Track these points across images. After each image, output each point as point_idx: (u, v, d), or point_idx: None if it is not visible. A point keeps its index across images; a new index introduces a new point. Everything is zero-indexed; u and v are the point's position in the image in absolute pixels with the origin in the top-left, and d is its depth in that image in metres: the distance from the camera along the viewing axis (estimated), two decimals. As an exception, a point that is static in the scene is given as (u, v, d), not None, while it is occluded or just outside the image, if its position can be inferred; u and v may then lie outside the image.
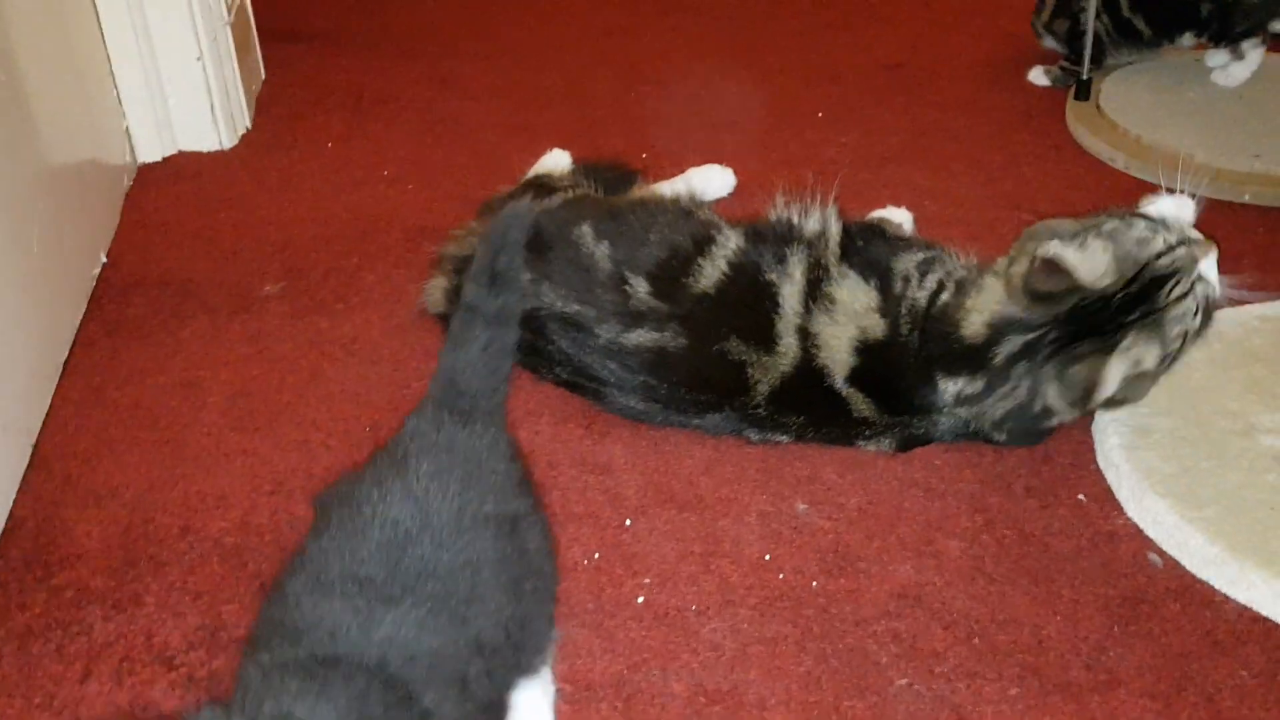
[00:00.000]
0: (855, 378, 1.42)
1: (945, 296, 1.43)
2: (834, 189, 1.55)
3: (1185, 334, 1.39)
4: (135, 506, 1.38)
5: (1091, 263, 1.34)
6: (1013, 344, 1.37)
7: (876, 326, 1.42)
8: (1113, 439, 1.44)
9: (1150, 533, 1.34)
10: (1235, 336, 1.60)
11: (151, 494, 1.40)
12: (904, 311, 1.42)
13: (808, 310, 1.42)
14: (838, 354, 1.41)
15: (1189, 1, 2.29)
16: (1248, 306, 1.67)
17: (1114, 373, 1.34)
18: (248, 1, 2.39)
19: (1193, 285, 1.37)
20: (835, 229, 1.50)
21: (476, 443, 1.05)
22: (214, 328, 1.69)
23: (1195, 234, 1.43)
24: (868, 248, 1.48)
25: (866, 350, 1.41)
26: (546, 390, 1.55)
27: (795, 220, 1.52)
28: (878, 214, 1.80)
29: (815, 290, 1.43)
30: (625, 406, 1.50)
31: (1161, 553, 1.32)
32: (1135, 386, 1.38)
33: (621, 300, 1.46)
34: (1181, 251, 1.38)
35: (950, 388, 1.41)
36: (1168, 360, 1.39)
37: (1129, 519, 1.37)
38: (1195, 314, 1.38)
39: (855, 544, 1.34)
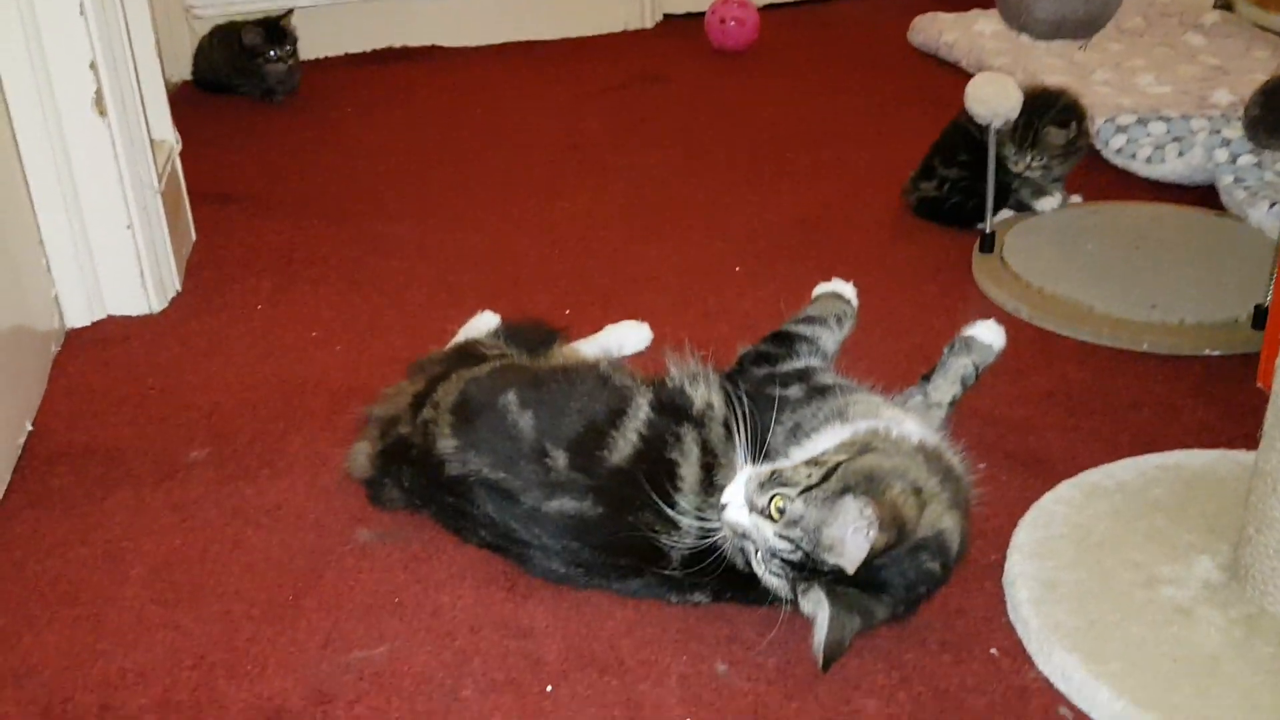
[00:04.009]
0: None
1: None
2: (710, 354, 1.63)
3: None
4: (54, 685, 1.37)
5: None
6: None
7: None
8: (1022, 593, 1.48)
9: (1060, 687, 1.38)
10: (1136, 487, 1.67)
11: (71, 672, 1.39)
12: None
13: (704, 495, 1.46)
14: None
15: None
16: (1147, 456, 1.75)
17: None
18: (179, 166, 2.44)
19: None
20: (718, 401, 1.56)
21: None
22: (138, 497, 1.70)
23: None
24: (749, 419, 1.52)
25: None
26: (470, 553, 1.58)
27: (686, 389, 1.58)
28: (824, 288, 1.85)
29: (710, 477, 1.47)
30: (549, 570, 1.52)
31: (1072, 707, 1.36)
32: None
33: (543, 471, 1.50)
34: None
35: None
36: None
37: (1040, 673, 1.41)
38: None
39: (775, 704, 1.36)
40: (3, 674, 1.39)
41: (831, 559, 1.31)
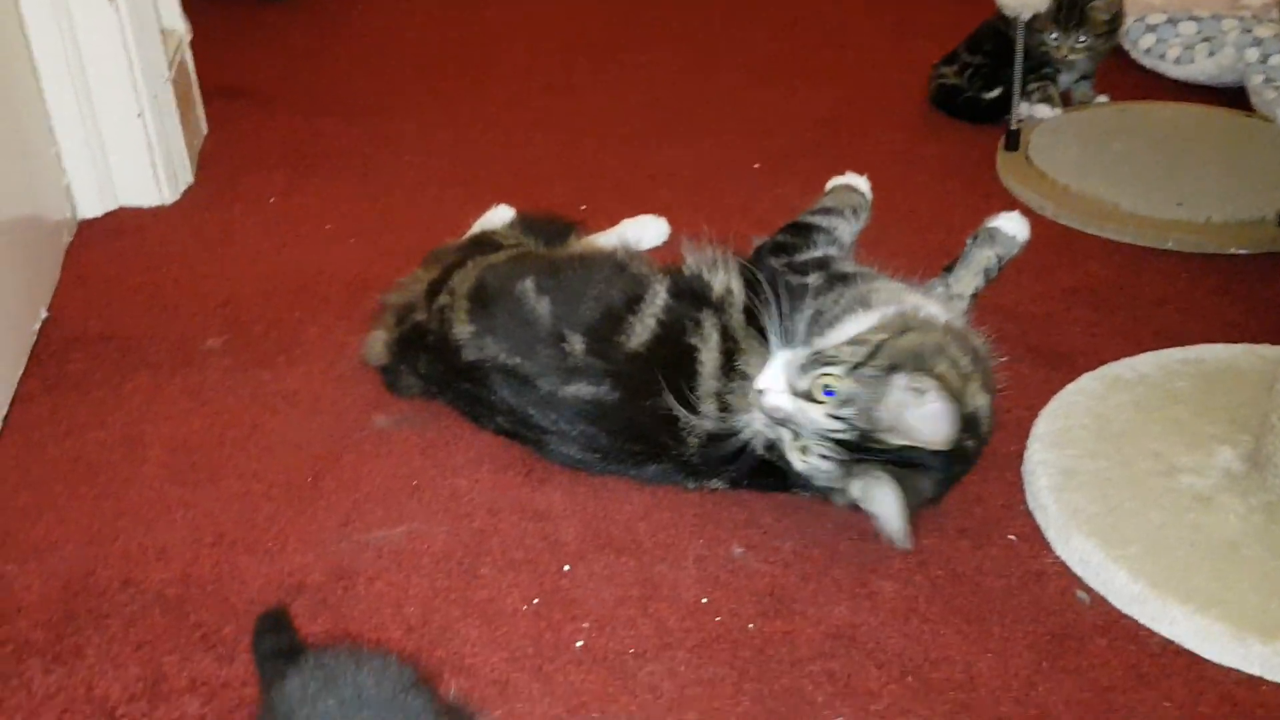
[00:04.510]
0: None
1: None
2: (730, 239, 1.60)
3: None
4: (75, 560, 1.38)
5: None
6: None
7: None
8: (1041, 480, 1.48)
9: (1077, 571, 1.38)
10: (1158, 379, 1.66)
11: (92, 548, 1.40)
12: None
13: (725, 381, 1.45)
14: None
15: None
16: (1170, 350, 1.73)
17: None
18: (189, 58, 2.41)
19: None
20: (737, 287, 1.54)
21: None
22: (155, 382, 1.69)
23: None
24: (770, 307, 1.51)
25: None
26: (487, 439, 1.57)
27: (704, 275, 1.56)
28: (838, 181, 1.82)
29: (730, 363, 1.46)
30: (565, 455, 1.52)
31: (1089, 590, 1.36)
32: None
33: (560, 356, 1.49)
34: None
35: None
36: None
37: (1057, 558, 1.41)
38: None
39: (791, 586, 1.36)
40: (25, 549, 1.40)
41: (895, 439, 1.30)
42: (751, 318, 1.51)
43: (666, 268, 1.61)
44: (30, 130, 1.96)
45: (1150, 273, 2.00)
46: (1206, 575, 1.33)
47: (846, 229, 1.71)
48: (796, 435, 1.36)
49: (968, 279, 1.66)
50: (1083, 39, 2.44)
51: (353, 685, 0.96)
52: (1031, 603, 1.34)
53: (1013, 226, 1.68)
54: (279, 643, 1.14)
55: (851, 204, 1.75)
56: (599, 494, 1.49)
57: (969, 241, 1.69)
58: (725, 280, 1.55)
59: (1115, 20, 2.46)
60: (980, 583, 1.37)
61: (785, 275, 1.58)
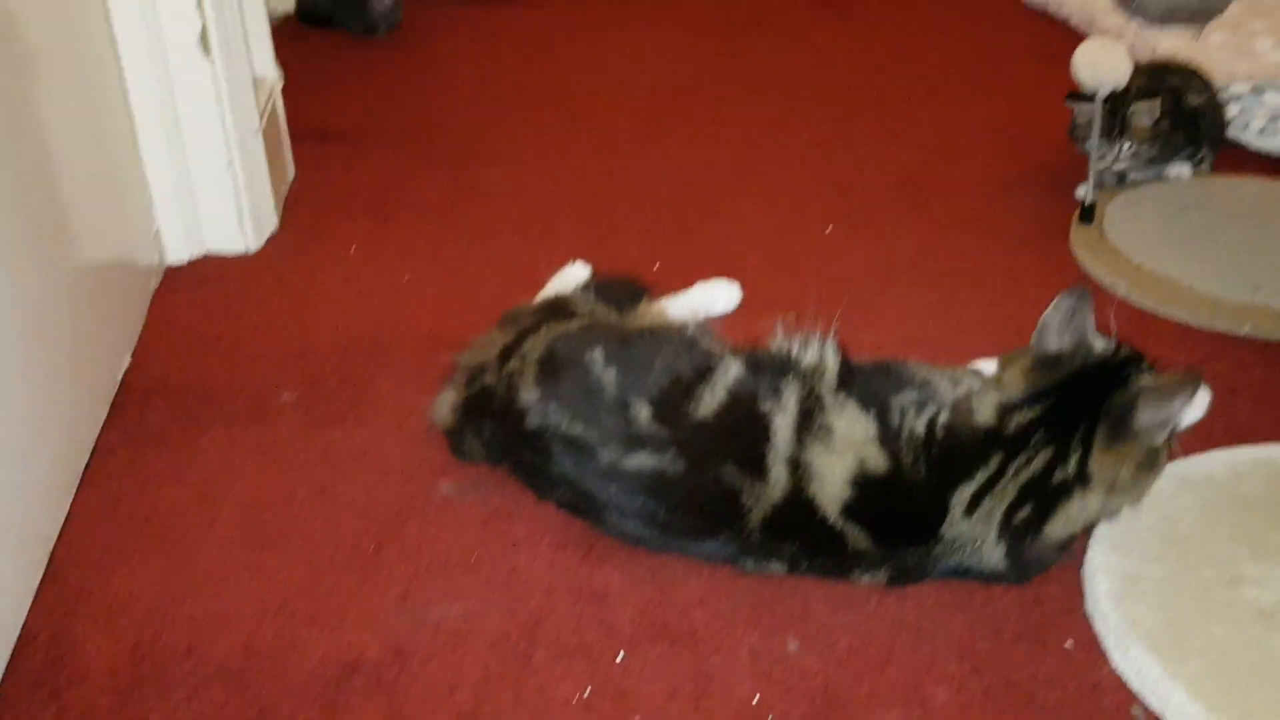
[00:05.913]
0: (850, 510, 1.44)
1: (943, 418, 1.47)
2: (834, 321, 1.58)
3: None
4: (144, 623, 1.42)
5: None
6: (1024, 415, 1.45)
7: (877, 457, 1.44)
8: (1101, 585, 1.46)
9: (1134, 685, 1.36)
10: (1226, 480, 1.63)
11: (161, 610, 1.44)
12: (904, 441, 1.45)
13: (800, 441, 1.45)
14: (831, 486, 1.44)
15: None
16: (1240, 448, 1.71)
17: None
18: (280, 104, 2.47)
19: None
20: (833, 360, 1.53)
21: None
22: (230, 437, 1.74)
23: None
24: (868, 381, 1.51)
25: (864, 482, 1.44)
26: (548, 513, 1.59)
27: (794, 351, 1.56)
28: (980, 363, 1.77)
29: (809, 421, 1.46)
30: (624, 531, 1.53)
31: (1145, 708, 1.34)
32: None
33: (624, 424, 1.50)
34: None
35: (964, 493, 1.44)
36: None
37: (1115, 669, 1.39)
38: None
39: (844, 686, 1.36)
40: (97, 608, 1.44)
41: None
42: (845, 383, 1.51)
43: (738, 348, 1.61)
44: (124, 178, 2.03)
45: (1224, 360, 1.96)
46: (1266, 699, 1.31)
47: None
48: None
49: None
50: (1129, 145, 2.37)
51: None
52: (1086, 718, 1.33)
53: (1195, 412, 1.64)
54: None
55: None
56: (657, 575, 1.51)
57: None
58: (819, 352, 1.55)
59: (1161, 124, 2.38)
60: (1035, 694, 1.35)
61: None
